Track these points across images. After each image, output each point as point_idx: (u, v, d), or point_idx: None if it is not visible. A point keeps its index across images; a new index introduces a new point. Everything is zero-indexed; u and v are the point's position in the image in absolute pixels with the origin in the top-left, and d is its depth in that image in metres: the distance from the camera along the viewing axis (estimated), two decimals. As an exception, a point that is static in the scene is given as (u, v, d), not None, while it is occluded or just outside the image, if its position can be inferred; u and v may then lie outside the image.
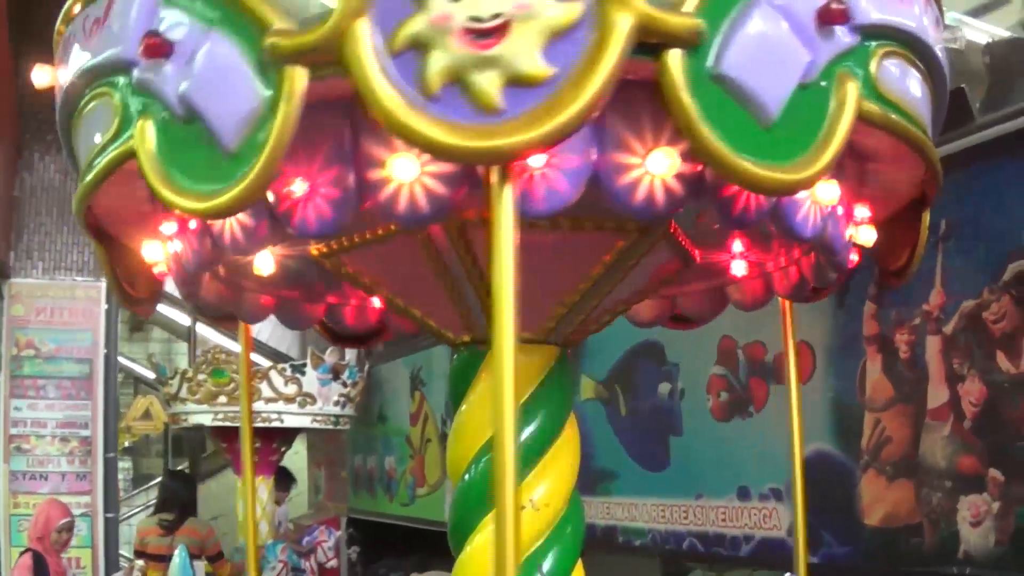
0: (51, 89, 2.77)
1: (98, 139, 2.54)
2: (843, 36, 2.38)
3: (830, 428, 5.29)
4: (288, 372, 10.23)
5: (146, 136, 2.34)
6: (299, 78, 2.10)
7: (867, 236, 3.13)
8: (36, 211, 12.54)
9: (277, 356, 14.18)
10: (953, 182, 3.36)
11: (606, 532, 6.96)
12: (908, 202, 3.16)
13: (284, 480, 11.74)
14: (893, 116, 2.53)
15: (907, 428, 4.82)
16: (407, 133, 2.03)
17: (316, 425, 10.49)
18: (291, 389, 10.16)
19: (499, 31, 2.00)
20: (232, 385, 9.97)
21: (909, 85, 2.63)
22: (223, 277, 3.57)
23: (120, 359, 13.77)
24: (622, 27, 1.98)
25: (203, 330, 15.91)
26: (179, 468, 15.92)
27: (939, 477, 4.61)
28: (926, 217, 3.16)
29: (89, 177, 2.58)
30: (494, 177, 2.09)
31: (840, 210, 2.85)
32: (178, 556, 8.09)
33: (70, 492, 12.70)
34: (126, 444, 13.82)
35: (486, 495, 3.16)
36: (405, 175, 2.29)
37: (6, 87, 10.08)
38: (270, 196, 2.40)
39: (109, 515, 12.92)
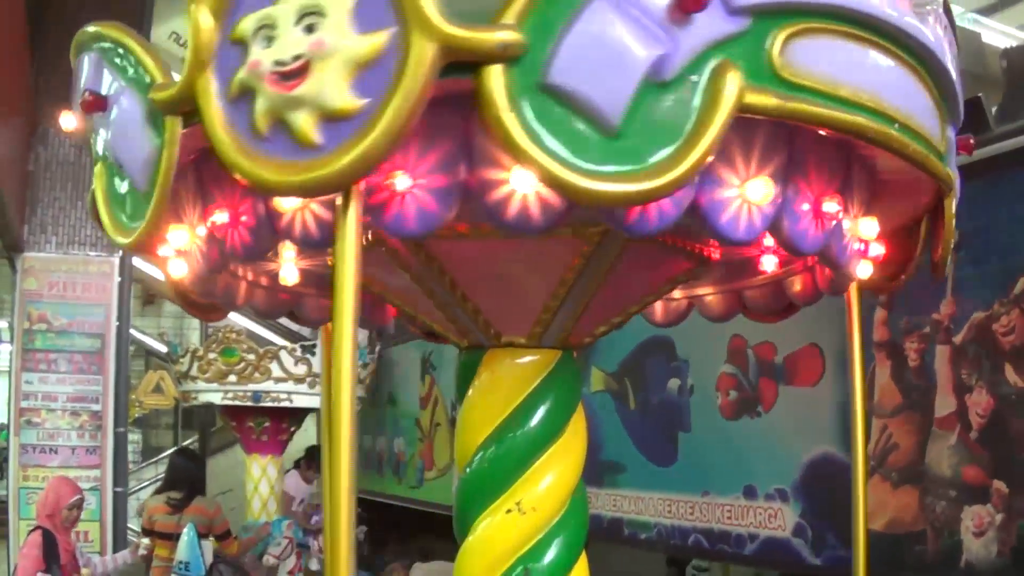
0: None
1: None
2: (716, 23, 2.19)
3: (837, 432, 5.31)
4: (299, 352, 10.27)
5: (100, 179, 2.69)
6: (175, 126, 2.34)
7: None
8: (50, 186, 12.49)
9: (291, 335, 14.23)
10: (967, 192, 3.37)
11: (612, 524, 7.00)
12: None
13: (319, 461, 11.70)
14: (812, 104, 2.31)
15: (914, 435, 4.85)
16: (242, 173, 2.16)
17: (326, 405, 10.54)
18: (301, 369, 10.20)
19: (301, 72, 2.08)
20: (242, 364, 10.01)
21: (849, 65, 2.41)
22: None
23: (132, 332, 13.80)
24: (424, 53, 2.00)
25: (214, 305, 15.94)
26: (188, 445, 15.94)
27: (944, 486, 4.65)
28: (949, 223, 3.06)
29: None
30: (339, 203, 2.16)
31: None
32: (186, 534, 8.12)
33: (80, 466, 12.73)
34: (136, 416, 13.84)
35: (488, 486, 3.27)
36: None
37: (21, 61, 10.06)
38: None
39: (118, 489, 12.92)
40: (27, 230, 12.34)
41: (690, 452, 6.50)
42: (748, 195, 2.39)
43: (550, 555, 3.29)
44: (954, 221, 3.05)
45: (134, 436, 15.71)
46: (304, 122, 2.09)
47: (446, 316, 3.36)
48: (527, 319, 3.27)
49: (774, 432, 5.80)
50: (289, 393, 10.20)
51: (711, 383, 6.31)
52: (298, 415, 11.04)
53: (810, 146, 2.56)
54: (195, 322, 18.62)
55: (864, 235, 2.90)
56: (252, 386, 10.06)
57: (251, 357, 10.03)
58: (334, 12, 2.08)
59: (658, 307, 4.07)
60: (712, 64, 2.16)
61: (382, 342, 11.77)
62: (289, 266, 3.37)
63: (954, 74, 2.75)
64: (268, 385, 10.05)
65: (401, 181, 2.28)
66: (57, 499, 7.53)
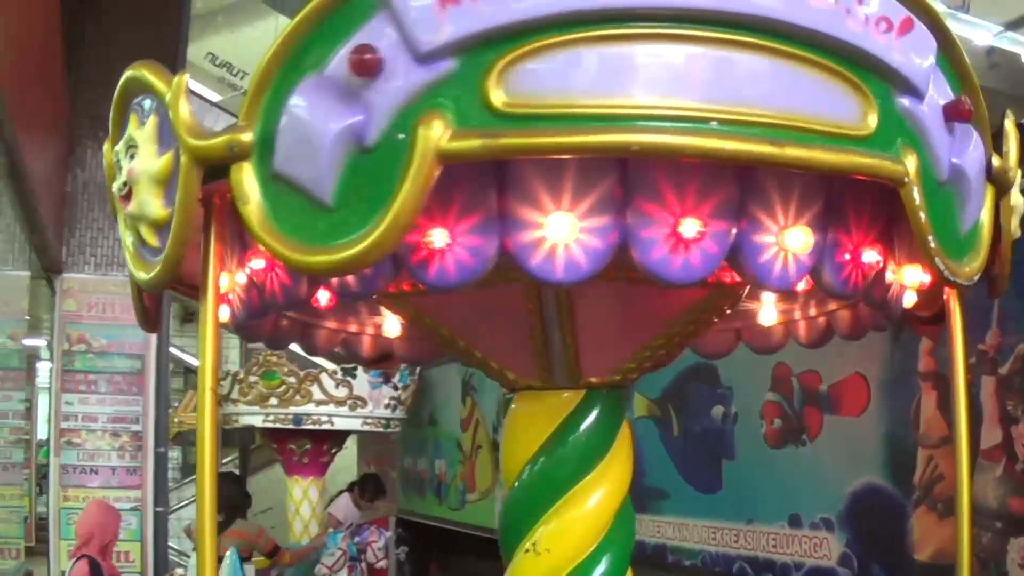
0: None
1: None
2: (407, 75, 2.13)
3: (883, 462, 5.33)
4: (339, 375, 10.32)
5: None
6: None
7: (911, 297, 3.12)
8: (88, 207, 12.57)
9: (332, 356, 14.27)
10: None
11: (656, 550, 7.02)
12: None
13: (373, 490, 11.73)
14: (541, 133, 2.14)
15: (960, 467, 4.86)
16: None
17: (367, 428, 10.58)
18: (342, 392, 10.26)
19: (128, 195, 2.50)
20: (283, 387, 10.08)
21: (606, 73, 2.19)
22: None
23: (171, 349, 13.88)
24: (185, 165, 2.29)
25: (253, 322, 16.00)
26: (228, 469, 15.98)
27: (990, 517, 4.65)
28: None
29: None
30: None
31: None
32: (228, 558, 8.16)
33: (120, 486, 12.81)
34: (175, 432, 13.91)
35: (533, 506, 3.30)
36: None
37: (58, 82, 10.15)
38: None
39: (159, 509, 13.01)
40: (65, 251, 12.43)
41: (735, 480, 6.52)
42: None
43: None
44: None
45: (174, 453, 15.78)
46: (146, 232, 2.50)
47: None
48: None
49: (819, 461, 5.81)
50: (330, 416, 10.26)
51: (755, 411, 6.32)
52: (339, 437, 11.10)
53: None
54: (234, 340, 18.67)
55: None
56: (293, 409, 10.13)
57: (292, 380, 10.10)
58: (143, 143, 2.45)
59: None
60: (416, 118, 2.11)
61: (421, 364, 11.81)
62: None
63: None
64: (309, 408, 10.12)
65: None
66: (106, 529, 7.57)
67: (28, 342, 14.14)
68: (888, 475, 5.28)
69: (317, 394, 10.19)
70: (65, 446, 12.70)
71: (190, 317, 20.07)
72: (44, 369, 14.27)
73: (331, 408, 10.26)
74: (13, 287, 12.23)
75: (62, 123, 11.18)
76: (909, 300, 3.05)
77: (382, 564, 10.36)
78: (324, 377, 10.26)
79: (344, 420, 10.34)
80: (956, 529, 3.10)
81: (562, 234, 2.28)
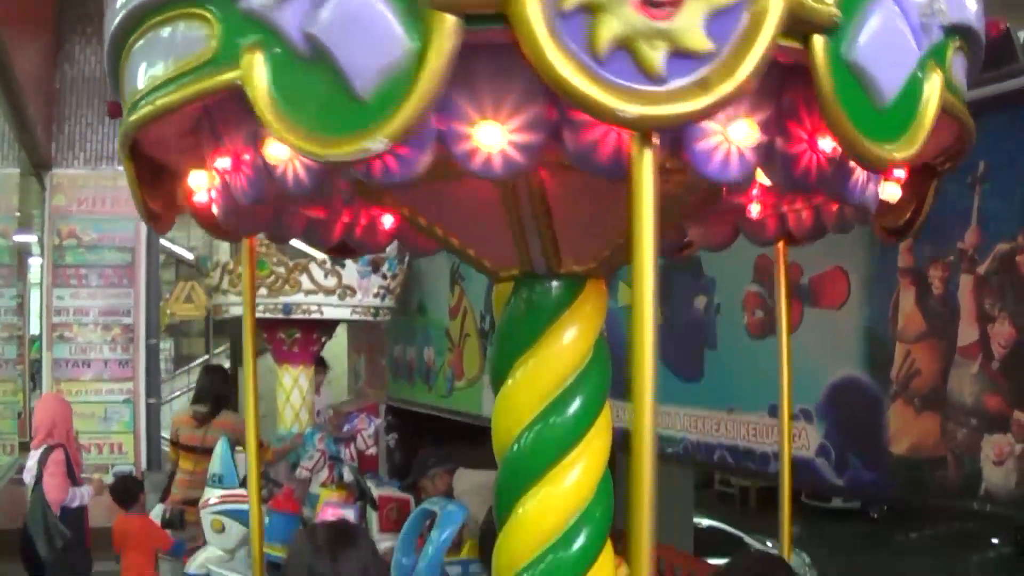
0: None
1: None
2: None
3: (862, 355, 5.37)
4: (328, 265, 10.29)
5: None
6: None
7: (892, 191, 3.14)
8: (77, 102, 12.55)
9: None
10: (994, 123, 3.37)
11: (639, 437, 7.08)
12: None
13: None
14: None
15: (937, 362, 4.90)
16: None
17: (356, 317, 10.56)
18: (331, 281, 10.22)
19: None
20: (272, 277, 10.06)
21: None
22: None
23: (162, 242, 13.88)
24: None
25: (244, 215, 15.94)
26: (219, 352, 16.06)
27: (965, 414, 4.71)
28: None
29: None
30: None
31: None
32: (220, 447, 8.23)
33: (112, 379, 12.96)
34: (167, 324, 13.98)
35: (535, 463, 3.39)
36: (491, 141, 2.33)
37: (46, -21, 10.07)
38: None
39: (151, 400, 13.17)
40: (55, 147, 12.43)
41: (716, 369, 6.58)
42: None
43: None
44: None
45: (165, 344, 15.88)
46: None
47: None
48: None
49: (799, 352, 5.83)
50: (319, 305, 10.23)
51: (737, 301, 6.37)
52: (328, 326, 11.12)
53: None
54: (225, 231, 18.65)
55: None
56: (282, 298, 10.10)
57: (281, 270, 10.06)
58: None
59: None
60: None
61: (409, 252, 11.80)
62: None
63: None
64: (298, 297, 10.09)
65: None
66: (66, 417, 7.69)
67: (19, 238, 14.14)
68: (866, 368, 5.33)
69: (306, 284, 10.15)
70: (57, 340, 12.80)
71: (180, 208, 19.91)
72: (35, 265, 14.27)
73: (320, 297, 10.23)
74: (3, 184, 12.23)
75: (49, 20, 11.05)
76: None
77: (372, 451, 10.43)
78: (313, 267, 10.23)
79: (333, 309, 10.32)
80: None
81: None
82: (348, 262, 10.25)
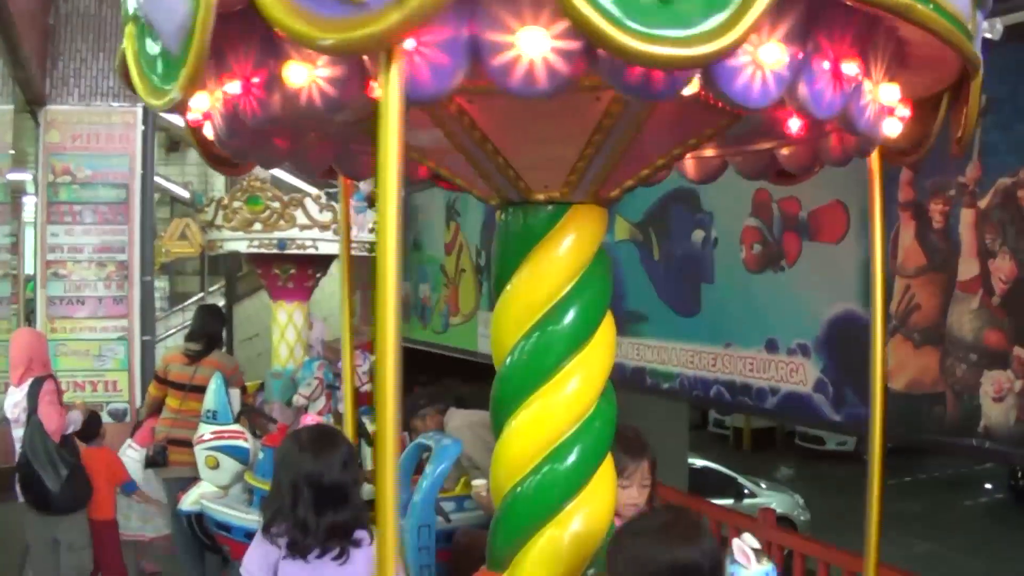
0: None
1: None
2: None
3: (860, 289, 5.33)
4: (323, 199, 10.22)
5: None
6: None
7: (894, 126, 3.10)
8: (71, 38, 12.46)
9: (316, 181, 14.19)
10: (996, 57, 3.30)
11: (635, 373, 7.08)
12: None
13: None
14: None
15: (936, 297, 4.86)
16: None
17: (351, 252, 10.52)
18: (326, 216, 10.15)
19: None
20: (267, 212, 9.98)
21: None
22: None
23: (157, 179, 13.81)
24: None
25: (238, 151, 15.84)
26: (213, 299, 16.01)
27: (965, 349, 4.67)
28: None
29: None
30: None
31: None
32: (214, 384, 8.20)
33: (107, 316, 12.93)
34: (161, 263, 13.94)
35: (528, 378, 3.39)
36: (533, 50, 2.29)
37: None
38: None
39: (146, 338, 13.14)
40: (49, 83, 12.34)
41: (713, 304, 6.54)
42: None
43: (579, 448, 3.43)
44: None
45: (161, 283, 15.88)
46: None
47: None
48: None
49: (797, 287, 5.81)
50: (314, 240, 10.17)
51: (735, 235, 6.31)
52: (323, 262, 11.07)
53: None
54: (221, 167, 18.59)
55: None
56: (277, 234, 10.03)
57: (276, 205, 9.98)
58: None
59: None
60: None
61: (406, 188, 11.74)
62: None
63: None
64: (293, 233, 10.02)
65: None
66: (42, 351, 7.68)
67: (13, 176, 14.09)
68: (865, 303, 5.28)
69: (301, 219, 10.09)
70: (51, 278, 12.75)
71: (175, 146, 19.94)
72: (30, 204, 14.23)
73: (315, 233, 10.17)
74: (-3, 121, 12.19)
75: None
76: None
77: (366, 388, 10.40)
78: (308, 202, 10.16)
79: (328, 244, 10.25)
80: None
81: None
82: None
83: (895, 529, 14.25)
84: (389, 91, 2.13)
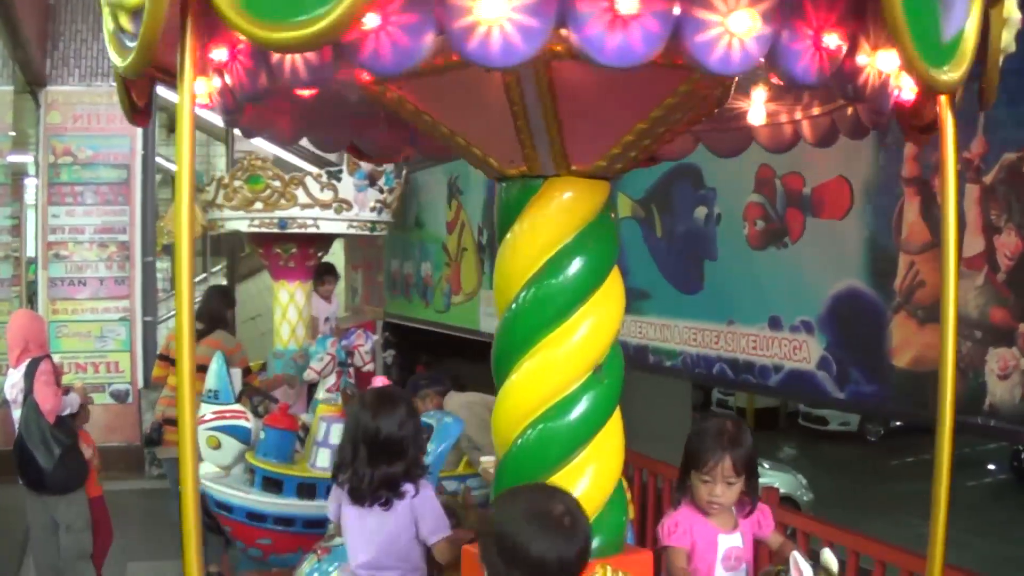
0: None
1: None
2: None
3: (864, 266, 5.28)
4: (324, 178, 10.17)
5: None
6: None
7: (908, 95, 3.07)
8: (71, 19, 12.47)
9: (318, 160, 14.16)
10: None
11: (638, 351, 7.05)
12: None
13: (329, 273, 11.74)
14: None
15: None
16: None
17: (352, 231, 10.46)
18: (327, 195, 10.11)
19: None
20: (268, 191, 9.94)
21: None
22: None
23: (158, 160, 13.79)
24: None
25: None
26: (217, 280, 15.99)
27: (970, 326, 4.61)
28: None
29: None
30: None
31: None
32: (215, 363, 8.17)
33: (108, 297, 12.94)
34: (164, 243, 13.93)
35: (529, 328, 3.43)
36: (491, 14, 2.31)
37: None
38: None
39: (147, 319, 13.15)
40: (49, 64, 12.36)
41: (716, 281, 6.49)
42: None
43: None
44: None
45: (163, 264, 15.83)
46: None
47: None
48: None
49: (800, 263, 5.76)
50: (315, 219, 10.13)
51: (738, 212, 6.25)
52: (324, 241, 11.04)
53: None
54: (221, 149, 18.54)
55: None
56: (278, 213, 9.99)
57: (276, 184, 9.94)
58: None
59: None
60: None
61: (409, 166, 11.72)
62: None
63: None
64: (294, 212, 9.98)
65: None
66: (39, 332, 7.66)
67: (14, 158, 14.07)
68: (869, 279, 5.24)
69: (302, 197, 10.04)
70: (52, 259, 12.76)
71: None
72: (32, 186, 14.23)
73: (316, 211, 10.12)
74: (-3, 102, 12.18)
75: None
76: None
77: (369, 367, 10.36)
78: (309, 180, 10.12)
79: (329, 223, 10.22)
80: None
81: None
82: (345, 175, 10.13)
83: (898, 509, 14.23)
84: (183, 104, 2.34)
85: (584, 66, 2.42)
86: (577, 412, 3.43)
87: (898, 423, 23.63)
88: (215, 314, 9.52)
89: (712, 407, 28.33)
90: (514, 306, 3.48)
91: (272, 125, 3.98)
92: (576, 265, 3.40)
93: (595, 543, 3.45)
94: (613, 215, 3.61)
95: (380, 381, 5.79)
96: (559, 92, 3.04)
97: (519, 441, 3.46)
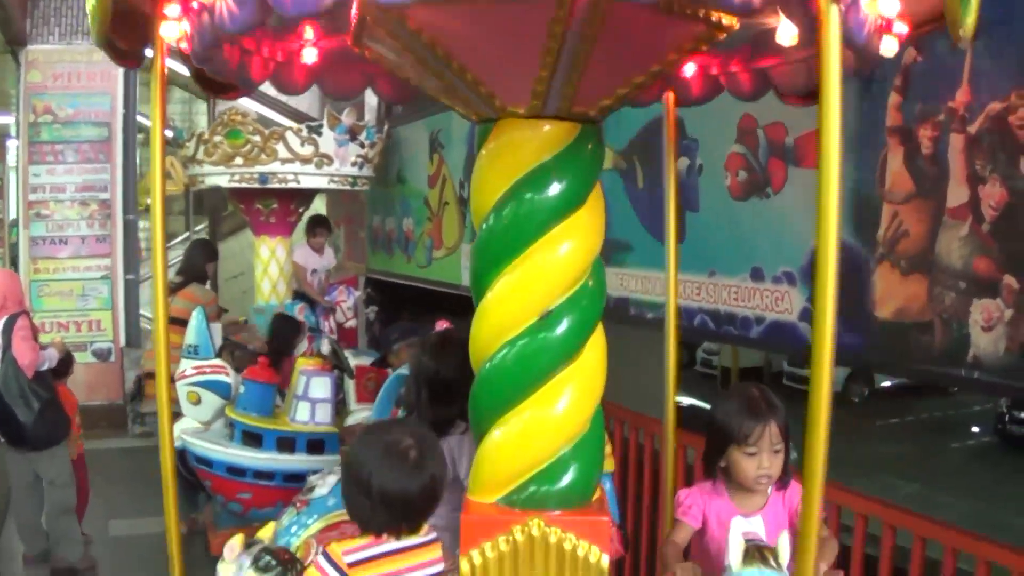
0: None
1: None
2: None
3: (847, 216, 5.21)
4: (305, 133, 10.10)
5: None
6: None
7: (891, 45, 3.02)
8: (51, -24, 12.47)
9: (297, 116, 14.05)
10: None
11: (619, 303, 7.00)
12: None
13: (325, 226, 11.65)
14: None
15: (925, 223, 4.75)
16: None
17: (333, 186, 10.42)
18: (308, 150, 10.06)
19: None
20: (248, 146, 9.87)
21: None
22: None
23: (141, 120, 13.74)
24: None
25: (221, 89, 15.62)
26: (200, 229, 15.97)
27: (954, 277, 4.57)
28: None
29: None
30: None
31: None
32: (194, 319, 8.17)
33: (90, 255, 12.92)
34: (148, 202, 13.89)
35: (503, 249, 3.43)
36: None
37: None
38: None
39: (129, 277, 13.12)
40: (30, 23, 12.33)
41: (697, 232, 6.42)
42: None
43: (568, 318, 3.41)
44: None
45: (146, 223, 15.74)
46: None
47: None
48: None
49: (783, 214, 5.71)
50: (296, 174, 10.08)
51: (720, 163, 6.18)
52: (306, 196, 10.99)
53: None
54: (202, 106, 18.45)
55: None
56: (259, 168, 9.94)
57: (257, 139, 9.88)
58: None
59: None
60: None
61: (390, 121, 11.63)
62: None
63: None
64: (275, 166, 9.93)
65: None
66: (15, 289, 7.63)
67: (-2, 119, 14.05)
68: (852, 230, 5.18)
69: (283, 152, 9.99)
70: (34, 218, 12.76)
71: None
72: (14, 148, 14.19)
73: (297, 166, 10.07)
74: (-27, 60, 12.14)
75: None
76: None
77: (351, 323, 10.37)
78: (289, 135, 10.06)
79: (310, 178, 10.16)
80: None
81: None
82: (325, 130, 10.08)
83: (882, 471, 14.29)
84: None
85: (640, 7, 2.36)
86: (560, 329, 3.41)
87: (883, 384, 23.71)
88: (195, 267, 9.50)
89: (696, 366, 28.38)
90: (492, 220, 3.45)
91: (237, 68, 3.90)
92: (555, 187, 3.37)
93: (564, 481, 3.47)
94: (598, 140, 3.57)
95: (442, 325, 5.83)
96: (606, 32, 2.96)
97: (495, 358, 3.43)
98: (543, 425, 3.41)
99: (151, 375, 8.65)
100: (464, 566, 3.44)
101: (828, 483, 2.90)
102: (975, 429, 21.91)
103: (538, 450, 3.43)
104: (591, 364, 3.49)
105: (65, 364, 8.31)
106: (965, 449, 20.63)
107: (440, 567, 3.35)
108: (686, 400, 15.76)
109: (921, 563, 4.77)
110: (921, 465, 17.57)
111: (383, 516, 3.22)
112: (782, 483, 3.83)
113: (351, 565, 3.17)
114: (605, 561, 3.45)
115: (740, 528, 3.59)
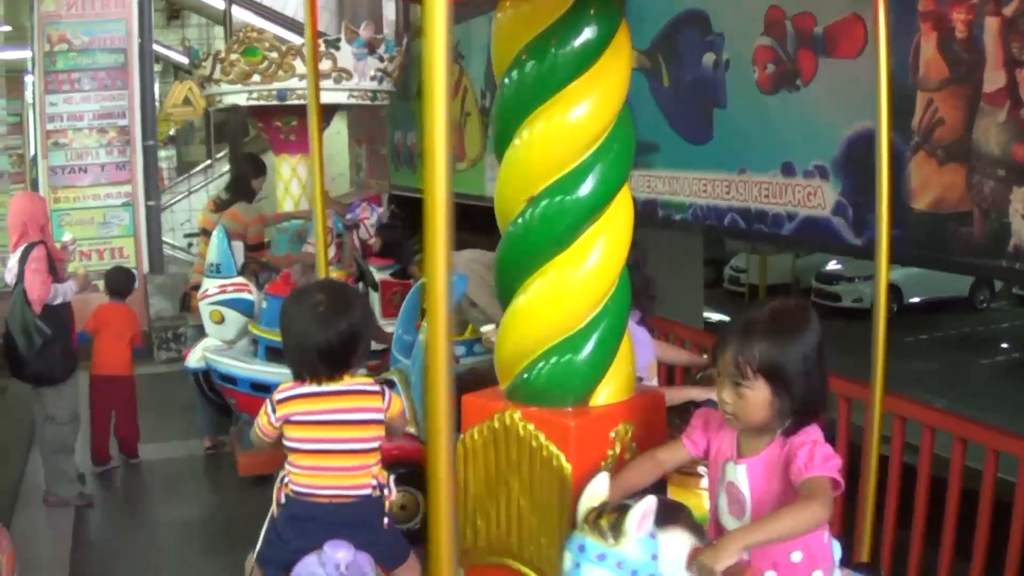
0: None
1: None
2: None
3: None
4: (322, 48, 9.92)
5: None
6: None
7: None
8: (65, -98, 12.37)
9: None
10: None
11: (646, 206, 6.87)
12: None
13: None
14: None
15: (961, 110, 4.59)
16: None
17: (353, 101, 10.23)
18: (326, 64, 9.86)
19: None
20: (265, 63, 9.70)
21: None
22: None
23: (157, 47, 13.72)
24: None
25: (239, 12, 15.45)
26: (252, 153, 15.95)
27: (992, 165, 4.42)
28: None
29: None
30: None
31: None
32: (216, 236, 8.08)
33: (110, 182, 12.91)
34: (170, 133, 13.86)
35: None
36: None
37: None
38: None
39: (150, 203, 13.11)
40: (42, -49, 12.21)
41: (726, 129, 6.28)
42: None
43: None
44: None
45: (168, 152, 15.80)
46: None
47: None
48: None
49: (814, 106, 5.55)
50: (315, 90, 9.93)
51: (748, 56, 6.01)
52: (325, 112, 10.82)
53: None
54: (219, 31, 18.29)
55: None
56: (276, 85, 9.77)
57: (274, 55, 9.69)
58: None
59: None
60: None
61: (409, 34, 11.45)
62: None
63: None
64: (293, 83, 9.74)
65: None
66: (35, 213, 7.45)
67: (13, 54, 13.94)
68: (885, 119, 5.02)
69: (300, 68, 9.79)
70: (52, 147, 12.72)
71: (176, 15, 19.73)
72: (31, 83, 14.17)
73: (315, 82, 9.90)
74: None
75: None
76: None
77: (373, 240, 10.25)
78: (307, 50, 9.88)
79: (329, 94, 9.95)
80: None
81: None
82: (343, 44, 9.90)
83: (910, 387, 14.15)
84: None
85: None
86: (589, 183, 3.40)
87: (911, 300, 23.52)
88: (238, 181, 9.44)
89: (724, 284, 28.24)
90: (513, 73, 3.46)
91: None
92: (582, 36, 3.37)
93: (586, 351, 3.43)
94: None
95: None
96: None
97: (523, 217, 3.43)
98: (567, 284, 3.42)
99: (197, 288, 8.59)
100: (459, 448, 3.57)
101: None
102: (1004, 345, 21.75)
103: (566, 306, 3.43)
104: (620, 222, 3.48)
105: (124, 284, 8.31)
106: (994, 365, 20.47)
107: (378, 416, 3.89)
108: (715, 316, 15.71)
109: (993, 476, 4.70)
110: (951, 381, 17.44)
111: (301, 363, 3.85)
112: (788, 429, 2.99)
113: (279, 401, 3.84)
114: (568, 469, 3.35)
115: (730, 475, 3.06)
